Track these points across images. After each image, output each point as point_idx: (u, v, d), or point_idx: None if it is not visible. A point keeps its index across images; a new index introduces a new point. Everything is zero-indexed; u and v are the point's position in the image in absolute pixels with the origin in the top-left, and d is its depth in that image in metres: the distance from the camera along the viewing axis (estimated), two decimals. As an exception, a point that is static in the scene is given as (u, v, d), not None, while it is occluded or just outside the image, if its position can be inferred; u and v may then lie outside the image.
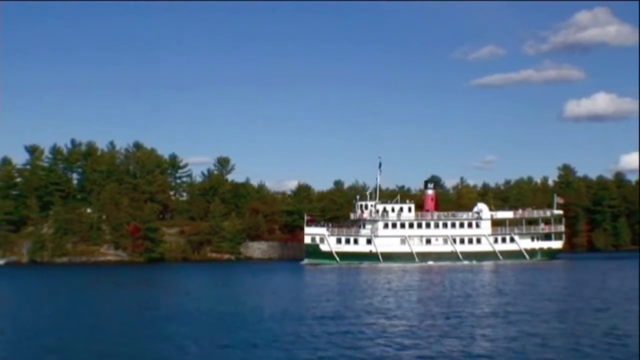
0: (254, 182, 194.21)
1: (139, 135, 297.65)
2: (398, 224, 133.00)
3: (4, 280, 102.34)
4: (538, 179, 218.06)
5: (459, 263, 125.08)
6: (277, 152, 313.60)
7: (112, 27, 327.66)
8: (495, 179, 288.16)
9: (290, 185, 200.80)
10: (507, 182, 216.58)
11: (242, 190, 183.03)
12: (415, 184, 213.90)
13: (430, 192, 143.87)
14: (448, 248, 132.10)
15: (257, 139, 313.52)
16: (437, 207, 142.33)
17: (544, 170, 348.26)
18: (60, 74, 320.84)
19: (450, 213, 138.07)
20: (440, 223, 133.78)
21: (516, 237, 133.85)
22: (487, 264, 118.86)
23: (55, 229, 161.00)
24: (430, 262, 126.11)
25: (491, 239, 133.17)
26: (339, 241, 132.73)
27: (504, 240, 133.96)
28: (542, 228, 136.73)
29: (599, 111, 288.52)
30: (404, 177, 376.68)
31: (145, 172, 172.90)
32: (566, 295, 58.85)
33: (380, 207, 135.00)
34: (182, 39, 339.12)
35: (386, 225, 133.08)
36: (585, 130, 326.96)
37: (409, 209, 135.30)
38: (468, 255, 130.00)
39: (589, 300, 53.04)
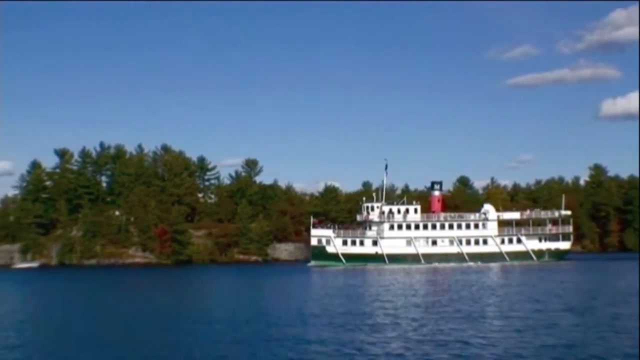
0: (282, 184, 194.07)
1: (167, 138, 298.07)
2: (404, 225, 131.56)
3: (41, 282, 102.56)
4: (569, 179, 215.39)
5: (465, 264, 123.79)
6: (307, 154, 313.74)
7: (140, 28, 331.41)
8: (529, 179, 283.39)
9: (320, 186, 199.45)
10: (538, 183, 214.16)
11: (270, 192, 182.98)
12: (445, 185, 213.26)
13: (436, 193, 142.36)
14: (454, 249, 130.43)
15: (287, 141, 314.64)
16: (445, 209, 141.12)
17: (581, 170, 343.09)
18: (89, 77, 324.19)
19: (456, 214, 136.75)
20: (446, 224, 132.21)
21: (523, 238, 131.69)
22: (494, 265, 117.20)
23: (84, 232, 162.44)
24: (436, 264, 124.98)
25: (498, 240, 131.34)
26: (344, 243, 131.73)
27: (510, 241, 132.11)
28: (549, 229, 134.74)
29: (634, 110, 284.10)
30: (433, 178, 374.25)
31: (173, 175, 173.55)
32: (551, 297, 57.13)
33: (386, 208, 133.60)
34: (210, 41, 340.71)
35: (392, 227, 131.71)
36: (621, 130, 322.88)
37: (415, 211, 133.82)
38: (474, 257, 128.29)
39: (565, 303, 51.38)
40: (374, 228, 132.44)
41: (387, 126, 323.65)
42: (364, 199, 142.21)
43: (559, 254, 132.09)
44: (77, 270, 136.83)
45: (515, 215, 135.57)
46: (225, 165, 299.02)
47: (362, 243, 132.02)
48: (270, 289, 75.10)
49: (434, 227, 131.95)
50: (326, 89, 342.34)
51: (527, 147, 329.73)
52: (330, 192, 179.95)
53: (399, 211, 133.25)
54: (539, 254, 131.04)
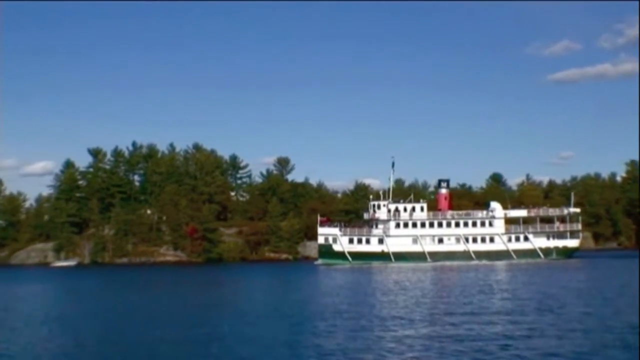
0: (313, 182, 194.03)
1: (200, 137, 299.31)
2: (410, 223, 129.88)
3: (83, 280, 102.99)
4: (606, 175, 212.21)
5: (472, 262, 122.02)
6: (346, 152, 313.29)
7: (174, 27, 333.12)
8: (571, 175, 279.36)
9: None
10: (574, 179, 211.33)
11: (301, 190, 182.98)
12: (478, 182, 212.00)
13: (443, 191, 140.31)
14: (460, 247, 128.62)
15: (325, 138, 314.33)
16: (452, 206, 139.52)
17: (619, 166, 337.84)
18: (122, 75, 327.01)
19: (463, 212, 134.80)
20: (453, 222, 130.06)
21: (530, 236, 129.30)
22: (500, 263, 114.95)
23: (116, 231, 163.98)
24: (441, 262, 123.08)
25: (505, 237, 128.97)
26: (351, 241, 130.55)
27: (517, 239, 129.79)
28: (557, 226, 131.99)
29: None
30: (468, 175, 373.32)
31: (204, 174, 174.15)
32: (534, 293, 55.83)
33: (392, 206, 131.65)
34: (242, 41, 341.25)
35: (398, 225, 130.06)
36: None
37: (422, 209, 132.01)
38: (481, 255, 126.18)
39: (543, 300, 49.78)
40: (381, 226, 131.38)
41: (421, 124, 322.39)
42: (370, 197, 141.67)
43: (567, 252, 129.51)
44: (112, 269, 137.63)
45: (522, 212, 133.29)
46: (262, 164, 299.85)
47: (368, 241, 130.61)
48: (272, 288, 74.41)
49: (440, 225, 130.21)
50: (367, 87, 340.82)
51: (568, 143, 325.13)
52: (360, 190, 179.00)
53: (405, 209, 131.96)
54: (547, 251, 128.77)
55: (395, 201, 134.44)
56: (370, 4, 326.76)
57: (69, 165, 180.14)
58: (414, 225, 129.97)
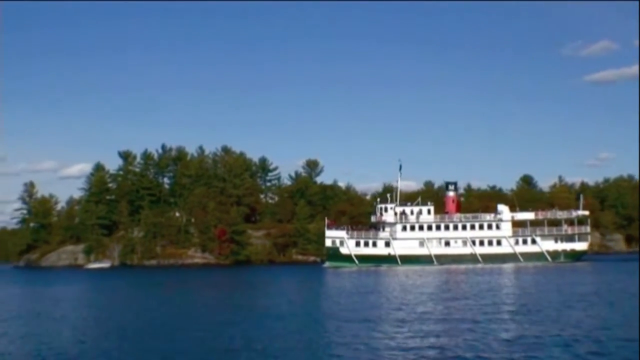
0: (342, 184, 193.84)
1: (229, 140, 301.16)
2: (416, 226, 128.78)
3: (121, 280, 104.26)
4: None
5: (479, 265, 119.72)
6: (374, 154, 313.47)
7: (202, 28, 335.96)
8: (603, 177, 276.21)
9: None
10: (606, 181, 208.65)
11: (330, 192, 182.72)
12: (507, 184, 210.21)
13: (451, 194, 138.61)
14: (467, 250, 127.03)
15: (349, 141, 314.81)
16: (459, 209, 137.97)
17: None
18: (153, 77, 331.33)
19: (471, 215, 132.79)
20: (460, 225, 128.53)
21: (538, 239, 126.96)
22: (507, 266, 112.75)
23: (145, 233, 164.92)
24: (447, 265, 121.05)
25: (512, 240, 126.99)
26: (357, 244, 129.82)
27: (525, 241, 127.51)
28: (565, 229, 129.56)
29: None
30: (501, 177, 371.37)
31: (233, 176, 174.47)
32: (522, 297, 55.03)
33: (399, 209, 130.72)
34: (270, 42, 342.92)
35: (404, 228, 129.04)
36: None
37: (428, 212, 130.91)
38: (488, 258, 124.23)
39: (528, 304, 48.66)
40: (387, 229, 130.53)
41: (457, 126, 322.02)
42: (378, 199, 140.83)
43: (575, 255, 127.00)
44: (146, 270, 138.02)
45: (529, 215, 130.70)
46: (292, 166, 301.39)
47: (374, 244, 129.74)
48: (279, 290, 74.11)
49: (447, 228, 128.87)
50: (400, 89, 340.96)
51: (606, 145, 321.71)
52: (388, 192, 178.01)
53: (412, 212, 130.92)
54: (554, 254, 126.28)
55: (402, 204, 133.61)
56: (402, 5, 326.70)
57: (99, 168, 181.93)
58: (421, 228, 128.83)
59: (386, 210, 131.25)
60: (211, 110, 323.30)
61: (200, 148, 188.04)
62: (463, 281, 76.44)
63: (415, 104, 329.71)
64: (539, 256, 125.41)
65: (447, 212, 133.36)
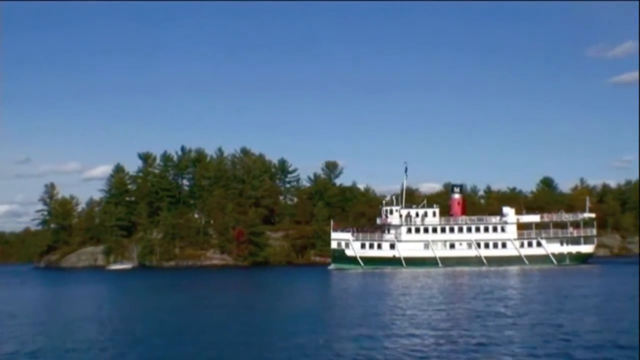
0: (361, 186, 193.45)
1: (248, 141, 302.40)
2: (421, 228, 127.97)
3: (147, 281, 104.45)
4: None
5: (484, 268, 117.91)
6: (395, 155, 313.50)
7: (223, 29, 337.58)
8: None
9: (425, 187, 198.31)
10: (628, 183, 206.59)
11: (349, 194, 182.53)
12: (529, 186, 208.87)
13: (456, 196, 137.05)
14: (472, 253, 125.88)
15: (368, 142, 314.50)
16: (465, 212, 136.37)
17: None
18: (173, 79, 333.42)
19: (476, 217, 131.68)
20: (465, 227, 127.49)
21: (543, 242, 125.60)
22: (511, 269, 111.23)
23: (164, 234, 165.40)
24: (453, 268, 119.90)
25: (517, 243, 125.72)
26: (363, 246, 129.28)
27: (530, 244, 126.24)
28: (570, 232, 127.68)
29: None
30: (520, 179, 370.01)
31: (252, 178, 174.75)
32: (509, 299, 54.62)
33: (404, 211, 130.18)
34: (291, 43, 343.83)
35: (409, 230, 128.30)
36: None
37: (434, 214, 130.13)
38: (493, 260, 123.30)
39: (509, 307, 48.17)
40: (393, 231, 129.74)
41: (477, 128, 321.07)
42: (384, 202, 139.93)
43: (580, 258, 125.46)
44: (170, 272, 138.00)
45: (535, 218, 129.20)
46: (313, 168, 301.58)
47: (379, 246, 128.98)
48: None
49: (452, 230, 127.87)
50: (424, 91, 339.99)
51: (631, 147, 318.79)
52: (406, 194, 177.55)
53: (417, 214, 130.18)
54: (560, 257, 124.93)
55: (407, 206, 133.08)
56: (431, 5, 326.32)
57: (119, 169, 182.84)
58: (426, 230, 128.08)
59: (391, 212, 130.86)
60: (231, 111, 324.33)
61: (220, 150, 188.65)
62: (463, 284, 75.66)
63: (438, 106, 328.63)
64: (544, 259, 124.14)
65: (453, 215, 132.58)
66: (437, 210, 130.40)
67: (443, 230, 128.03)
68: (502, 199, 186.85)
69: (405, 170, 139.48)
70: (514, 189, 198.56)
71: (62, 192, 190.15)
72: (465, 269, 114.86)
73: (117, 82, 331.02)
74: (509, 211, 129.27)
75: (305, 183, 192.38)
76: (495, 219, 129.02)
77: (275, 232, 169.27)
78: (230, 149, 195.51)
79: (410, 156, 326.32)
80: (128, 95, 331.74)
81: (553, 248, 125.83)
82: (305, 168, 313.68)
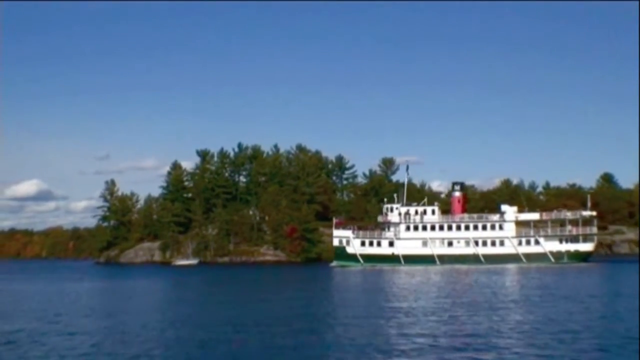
0: (417, 182, 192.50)
1: (305, 138, 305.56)
2: (420, 226, 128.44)
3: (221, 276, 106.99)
4: None
5: (482, 266, 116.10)
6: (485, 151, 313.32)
7: (278, 26, 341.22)
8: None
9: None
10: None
11: (403, 191, 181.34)
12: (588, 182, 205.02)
13: (457, 194, 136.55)
14: (470, 250, 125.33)
15: (442, 139, 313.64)
16: (465, 209, 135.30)
17: None
18: (232, 77, 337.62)
19: (476, 215, 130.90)
20: (463, 225, 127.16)
21: (541, 240, 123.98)
22: (509, 267, 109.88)
23: (218, 230, 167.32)
24: (452, 265, 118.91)
25: (515, 241, 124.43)
26: (362, 244, 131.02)
27: (528, 242, 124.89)
28: (569, 230, 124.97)
29: None
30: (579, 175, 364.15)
31: (306, 174, 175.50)
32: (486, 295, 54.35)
33: (403, 209, 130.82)
34: (349, 41, 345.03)
35: (408, 228, 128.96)
36: None
37: (433, 212, 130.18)
38: (490, 258, 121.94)
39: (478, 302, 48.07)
40: (392, 229, 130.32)
41: (529, 124, 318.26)
42: (385, 199, 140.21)
43: (579, 256, 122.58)
44: (215, 267, 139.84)
45: (534, 216, 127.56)
46: (374, 165, 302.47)
47: (379, 244, 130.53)
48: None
49: (450, 228, 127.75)
50: (484, 88, 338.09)
51: None
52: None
53: (416, 212, 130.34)
54: (558, 255, 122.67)
55: (407, 204, 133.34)
56: (478, 4, 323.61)
57: (176, 166, 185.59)
58: (424, 228, 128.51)
59: (391, 210, 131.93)
60: (304, 108, 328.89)
61: (275, 146, 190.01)
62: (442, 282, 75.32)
63: (494, 103, 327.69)
64: (542, 257, 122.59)
65: (453, 212, 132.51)
66: (436, 209, 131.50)
67: (441, 228, 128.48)
68: (560, 195, 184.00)
69: (407, 169, 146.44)
70: (573, 185, 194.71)
71: (122, 189, 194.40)
72: (463, 267, 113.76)
73: (193, 77, 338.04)
74: (507, 209, 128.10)
75: (362, 180, 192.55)
76: (494, 217, 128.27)
77: (329, 229, 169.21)
78: (287, 145, 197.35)
79: (469, 152, 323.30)
80: (203, 91, 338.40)
81: (551, 246, 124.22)
82: (366, 165, 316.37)
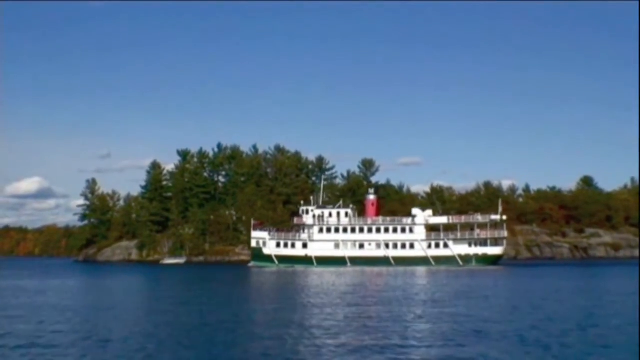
0: (395, 184, 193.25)
1: (287, 139, 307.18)
2: (333, 228, 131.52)
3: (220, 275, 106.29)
4: None
5: (391, 268, 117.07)
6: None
7: (261, 25, 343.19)
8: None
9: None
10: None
11: (382, 192, 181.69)
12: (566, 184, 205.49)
13: (371, 197, 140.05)
14: (381, 253, 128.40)
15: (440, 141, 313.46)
16: (379, 212, 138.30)
17: None
18: (221, 77, 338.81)
19: (388, 218, 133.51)
20: (374, 228, 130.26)
21: (450, 243, 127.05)
22: (418, 269, 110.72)
23: (194, 230, 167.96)
24: (362, 267, 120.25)
25: (424, 244, 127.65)
26: (278, 245, 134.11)
27: (437, 245, 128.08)
28: (477, 233, 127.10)
29: None
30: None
31: (283, 175, 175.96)
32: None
33: (317, 212, 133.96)
34: (334, 40, 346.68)
35: (321, 230, 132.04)
36: None
37: (346, 214, 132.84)
38: (400, 260, 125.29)
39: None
40: (307, 231, 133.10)
41: (523, 128, 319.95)
42: (302, 202, 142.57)
43: (487, 259, 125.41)
44: (189, 267, 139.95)
45: (443, 219, 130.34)
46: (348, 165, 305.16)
47: (293, 245, 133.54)
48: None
49: (362, 230, 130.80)
50: (466, 91, 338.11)
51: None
52: (436, 192, 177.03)
53: (330, 215, 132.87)
54: (466, 258, 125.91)
55: (322, 207, 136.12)
56: (491, 5, 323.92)
57: (155, 166, 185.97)
58: (337, 230, 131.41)
59: (307, 212, 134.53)
60: (288, 108, 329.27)
61: (254, 147, 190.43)
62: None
63: (480, 106, 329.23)
64: (451, 260, 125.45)
65: (366, 215, 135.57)
66: (349, 211, 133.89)
67: (353, 230, 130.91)
68: (539, 198, 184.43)
69: (323, 172, 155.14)
70: (553, 188, 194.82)
71: (122, 188, 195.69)
72: (375, 269, 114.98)
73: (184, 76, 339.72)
74: (417, 212, 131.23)
75: (340, 181, 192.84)
76: (405, 220, 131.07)
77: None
78: (265, 146, 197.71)
79: (453, 155, 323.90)
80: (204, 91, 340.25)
81: (460, 249, 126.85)
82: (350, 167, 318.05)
